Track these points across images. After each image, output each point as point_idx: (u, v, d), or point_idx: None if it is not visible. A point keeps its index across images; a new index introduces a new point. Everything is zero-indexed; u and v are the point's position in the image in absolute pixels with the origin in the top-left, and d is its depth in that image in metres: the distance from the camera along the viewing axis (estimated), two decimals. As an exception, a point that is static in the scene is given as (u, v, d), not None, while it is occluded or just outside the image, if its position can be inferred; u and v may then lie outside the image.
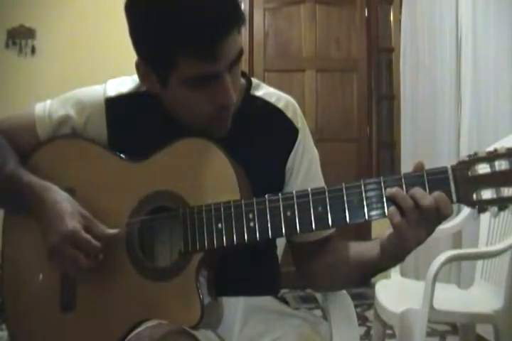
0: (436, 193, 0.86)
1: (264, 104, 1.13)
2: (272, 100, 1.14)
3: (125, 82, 1.14)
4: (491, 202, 0.85)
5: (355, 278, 1.08)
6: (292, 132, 1.13)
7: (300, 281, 1.16)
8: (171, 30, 0.93)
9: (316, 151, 1.18)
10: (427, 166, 0.89)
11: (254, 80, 1.16)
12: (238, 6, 0.98)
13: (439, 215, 0.86)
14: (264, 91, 1.15)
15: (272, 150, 1.10)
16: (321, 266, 1.11)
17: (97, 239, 0.99)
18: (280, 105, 1.14)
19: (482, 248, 2.20)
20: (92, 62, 3.60)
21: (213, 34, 0.93)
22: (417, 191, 0.86)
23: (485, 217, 2.24)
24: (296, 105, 1.17)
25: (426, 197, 0.85)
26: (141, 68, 1.03)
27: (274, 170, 1.10)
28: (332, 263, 1.10)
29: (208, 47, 0.93)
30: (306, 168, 1.12)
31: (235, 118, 1.07)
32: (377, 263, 0.99)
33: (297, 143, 1.12)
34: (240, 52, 0.99)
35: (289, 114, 1.13)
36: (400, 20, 3.71)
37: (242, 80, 1.13)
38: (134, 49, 1.01)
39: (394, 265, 0.99)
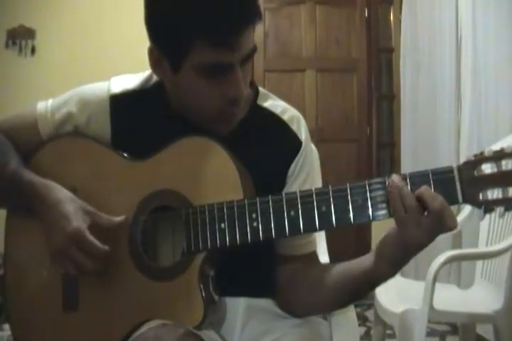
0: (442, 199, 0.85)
1: (269, 115, 1.13)
2: (277, 112, 1.13)
3: (130, 79, 1.13)
4: (497, 202, 0.84)
5: (346, 294, 1.03)
6: (295, 144, 1.11)
7: (281, 301, 1.10)
8: (192, 14, 0.93)
9: (316, 167, 1.18)
10: (427, 166, 0.89)
11: (262, 90, 1.16)
12: (258, 3, 0.99)
13: (443, 225, 0.85)
14: (271, 102, 1.15)
15: (273, 161, 1.09)
16: (308, 280, 1.07)
17: (104, 232, 0.98)
18: (285, 117, 1.13)
19: (482, 248, 2.20)
20: (92, 62, 3.60)
21: (234, 23, 0.94)
22: (426, 191, 0.85)
23: (485, 217, 2.23)
24: (302, 119, 1.15)
25: (436, 199, 0.85)
26: (154, 54, 1.02)
27: (273, 181, 1.08)
28: (319, 277, 1.05)
29: (227, 35, 0.94)
30: (301, 181, 1.11)
31: (239, 127, 1.07)
32: (370, 274, 0.96)
33: (299, 155, 1.11)
34: (254, 49, 1.00)
35: (294, 127, 1.13)
36: (400, 20, 3.71)
37: (250, 90, 1.12)
38: (149, 34, 1.00)
39: (391, 274, 0.95)
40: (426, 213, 0.86)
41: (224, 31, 0.93)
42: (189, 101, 1.04)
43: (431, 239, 0.87)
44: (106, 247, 0.98)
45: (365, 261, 0.97)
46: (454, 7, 3.09)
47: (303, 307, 1.08)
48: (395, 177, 0.88)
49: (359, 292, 1.02)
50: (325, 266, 1.08)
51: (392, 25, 4.08)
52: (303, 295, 1.07)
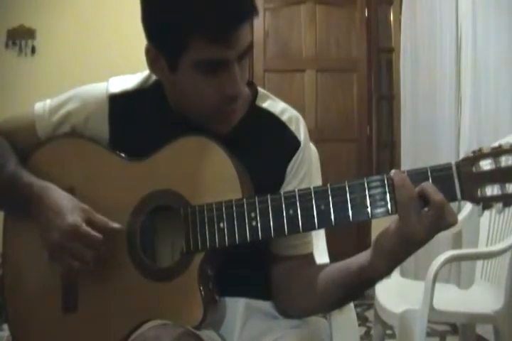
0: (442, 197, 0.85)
1: (268, 116, 1.13)
2: (276, 112, 1.13)
3: (129, 79, 1.14)
4: (495, 199, 0.84)
5: (342, 291, 1.01)
6: (293, 144, 1.11)
7: (276, 302, 1.09)
8: (187, 11, 0.93)
9: (315, 168, 1.17)
10: (427, 166, 0.89)
11: (261, 91, 1.15)
12: None
13: (443, 220, 0.85)
14: (270, 102, 1.14)
15: (271, 161, 1.09)
16: (303, 280, 1.06)
17: (99, 231, 0.98)
18: (284, 118, 1.13)
19: (482, 248, 2.20)
20: (91, 62, 3.61)
21: (229, 18, 0.93)
22: (429, 186, 0.85)
23: (485, 217, 2.24)
24: (301, 120, 1.15)
25: (438, 193, 0.84)
26: (150, 53, 1.02)
27: (272, 180, 1.08)
28: (314, 277, 1.04)
29: (223, 31, 0.93)
30: (299, 180, 1.10)
31: (238, 127, 1.07)
32: (366, 269, 0.94)
33: (297, 153, 1.10)
34: (250, 45, 1.00)
35: (292, 127, 1.12)
36: (400, 20, 3.71)
37: (249, 90, 1.12)
38: (145, 32, 1.01)
39: (387, 269, 0.93)
40: (427, 208, 0.86)
41: (220, 27, 0.93)
42: (187, 99, 1.04)
43: (430, 234, 0.86)
44: (102, 236, 0.97)
45: (363, 256, 0.96)
46: (454, 7, 3.09)
47: (298, 308, 1.08)
48: (397, 170, 0.88)
49: (355, 289, 1.01)
50: (321, 266, 1.07)
51: (392, 25, 4.08)
52: (297, 296, 1.06)
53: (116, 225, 1.01)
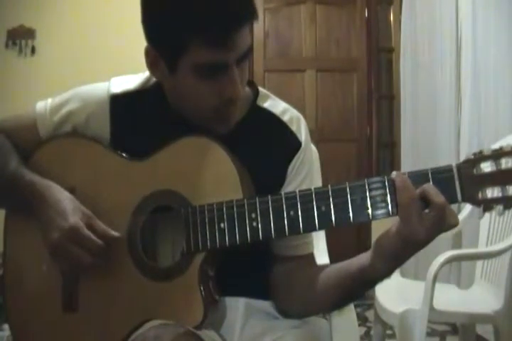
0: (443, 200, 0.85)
1: (269, 116, 1.13)
2: (277, 112, 1.13)
3: (130, 79, 1.14)
4: (496, 201, 0.84)
5: (341, 292, 1.01)
6: (294, 144, 1.11)
7: (276, 302, 1.09)
8: (186, 13, 0.93)
9: (316, 168, 1.17)
10: (427, 166, 0.88)
11: (262, 91, 1.15)
12: (253, 2, 0.99)
13: (444, 221, 0.85)
14: (271, 102, 1.14)
15: (272, 161, 1.09)
16: (303, 280, 1.06)
17: (99, 237, 0.98)
18: (285, 118, 1.13)
19: (482, 248, 2.20)
20: (92, 62, 3.61)
21: (229, 22, 0.94)
22: (430, 187, 0.85)
23: (485, 218, 2.24)
24: (303, 120, 1.15)
25: (440, 194, 0.84)
26: (150, 54, 1.02)
27: (273, 181, 1.08)
28: (314, 277, 1.04)
29: (222, 34, 0.93)
30: (300, 180, 1.11)
31: (239, 127, 1.07)
32: (366, 270, 0.94)
33: (298, 154, 1.11)
34: (250, 48, 1.00)
35: (293, 128, 1.12)
36: (400, 20, 3.71)
37: (250, 90, 1.13)
38: (145, 34, 1.01)
39: (386, 271, 0.94)
40: (428, 210, 0.86)
41: (219, 31, 0.93)
42: (186, 101, 1.04)
43: (431, 235, 0.86)
44: (102, 241, 0.98)
45: (363, 257, 0.96)
46: (454, 7, 3.09)
47: (298, 308, 1.08)
48: (398, 172, 0.88)
49: (355, 290, 1.01)
50: (321, 267, 1.08)
51: (392, 25, 4.08)
52: (297, 296, 1.06)
53: (115, 234, 1.01)
